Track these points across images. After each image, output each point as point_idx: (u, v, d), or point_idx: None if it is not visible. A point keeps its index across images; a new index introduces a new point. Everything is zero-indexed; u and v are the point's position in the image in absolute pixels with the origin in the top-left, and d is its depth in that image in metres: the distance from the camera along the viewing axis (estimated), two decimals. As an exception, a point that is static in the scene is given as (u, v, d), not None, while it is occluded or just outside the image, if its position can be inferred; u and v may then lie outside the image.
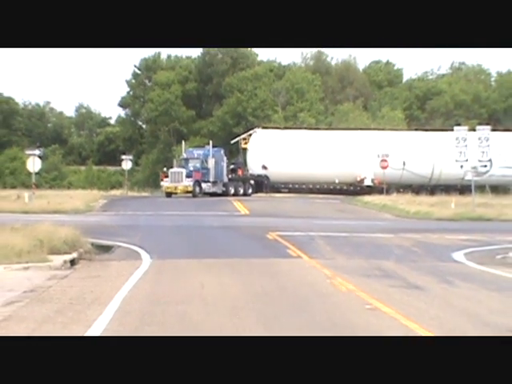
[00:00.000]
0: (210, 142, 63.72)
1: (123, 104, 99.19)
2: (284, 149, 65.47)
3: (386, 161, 62.25)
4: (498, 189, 63.28)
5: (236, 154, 69.79)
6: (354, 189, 64.67)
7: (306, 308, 13.12)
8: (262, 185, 65.06)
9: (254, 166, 65.55)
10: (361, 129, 70.01)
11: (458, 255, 23.53)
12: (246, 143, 67.44)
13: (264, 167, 64.95)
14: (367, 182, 64.71)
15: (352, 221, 39.46)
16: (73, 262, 19.79)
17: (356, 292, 14.97)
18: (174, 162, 63.59)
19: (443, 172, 65.31)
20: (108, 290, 14.89)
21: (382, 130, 70.55)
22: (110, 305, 13.09)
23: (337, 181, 65.11)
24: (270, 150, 65.32)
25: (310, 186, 65.55)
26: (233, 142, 70.09)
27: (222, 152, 64.09)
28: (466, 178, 56.43)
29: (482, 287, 16.58)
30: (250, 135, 67.86)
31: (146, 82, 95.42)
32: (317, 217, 41.43)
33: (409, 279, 17.59)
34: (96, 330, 10.82)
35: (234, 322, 11.66)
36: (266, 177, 65.34)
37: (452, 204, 47.74)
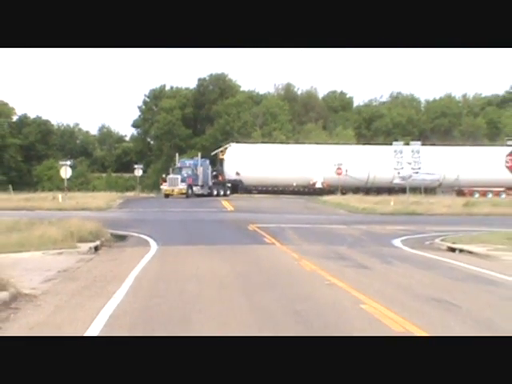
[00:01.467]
0: (199, 154, 64.30)
1: (136, 125, 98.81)
2: (253, 159, 66.01)
3: (340, 169, 63.58)
4: (427, 190, 63.61)
5: (218, 163, 70.02)
6: (308, 190, 64.99)
7: (278, 283, 13.12)
8: (238, 187, 65.55)
9: (230, 173, 65.85)
10: (316, 143, 70.32)
11: (397, 242, 23.61)
12: (223, 155, 67.78)
13: (237, 173, 65.45)
14: (318, 185, 65.20)
15: (314, 215, 39.51)
16: (96, 248, 19.73)
17: (317, 271, 14.98)
18: (171, 170, 63.53)
19: (376, 177, 65.73)
20: (124, 270, 14.83)
21: (333, 144, 70.92)
22: (126, 281, 13.04)
23: (294, 184, 65.47)
24: (242, 160, 65.80)
25: (275, 189, 65.81)
26: (213, 153, 70.15)
27: (208, 162, 64.59)
28: (394, 181, 56.64)
29: (415, 266, 16.65)
30: (226, 148, 68.15)
31: (154, 107, 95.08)
32: (287, 212, 41.46)
33: (358, 261, 17.63)
34: (115, 300, 10.80)
35: (221, 294, 11.65)
36: (241, 181, 65.75)
37: (391, 202, 47.89)
